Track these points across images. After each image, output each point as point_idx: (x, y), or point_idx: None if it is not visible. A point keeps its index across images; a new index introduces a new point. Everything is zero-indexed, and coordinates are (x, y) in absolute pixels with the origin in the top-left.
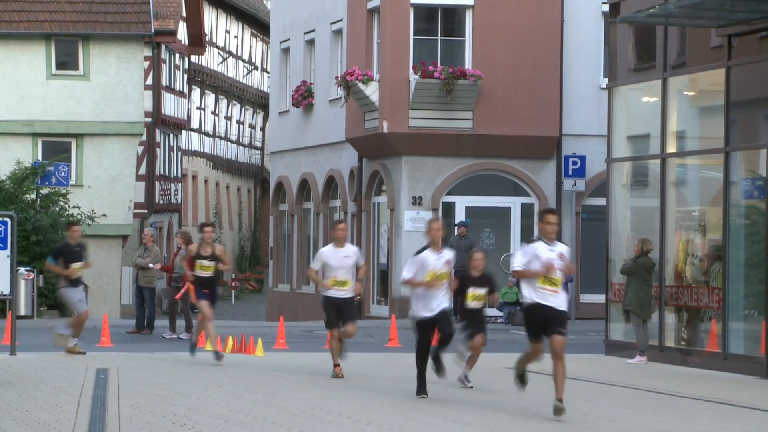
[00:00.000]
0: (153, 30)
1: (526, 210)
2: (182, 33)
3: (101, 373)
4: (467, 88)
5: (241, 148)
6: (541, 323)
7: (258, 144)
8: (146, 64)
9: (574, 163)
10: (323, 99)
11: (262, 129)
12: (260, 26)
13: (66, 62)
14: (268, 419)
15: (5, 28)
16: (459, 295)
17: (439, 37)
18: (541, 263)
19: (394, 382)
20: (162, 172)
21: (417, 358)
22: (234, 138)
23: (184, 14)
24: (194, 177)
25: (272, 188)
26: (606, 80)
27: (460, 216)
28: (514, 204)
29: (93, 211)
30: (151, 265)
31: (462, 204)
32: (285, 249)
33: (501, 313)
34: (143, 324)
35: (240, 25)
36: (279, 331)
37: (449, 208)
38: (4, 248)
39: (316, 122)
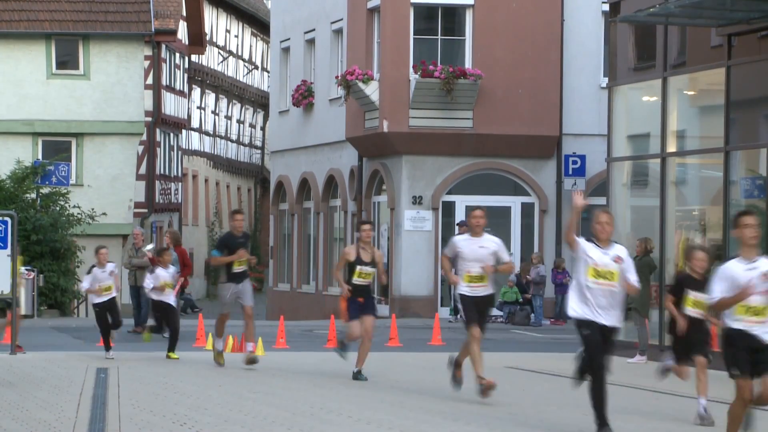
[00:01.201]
0: (153, 29)
1: (527, 209)
2: (182, 32)
3: (101, 372)
4: (467, 88)
5: (242, 147)
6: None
7: (258, 143)
8: (146, 63)
9: (575, 162)
10: (323, 98)
11: (263, 128)
12: (260, 25)
13: (66, 62)
14: (269, 418)
15: (5, 27)
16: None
17: (439, 37)
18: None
19: (395, 381)
20: (162, 172)
21: (594, 388)
22: (234, 137)
23: (184, 13)
24: (194, 176)
25: (272, 187)
26: (606, 79)
27: (460, 215)
28: (514, 203)
29: (93, 210)
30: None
31: (462, 203)
32: (285, 248)
33: (501, 313)
34: (140, 322)
35: (240, 24)
36: (279, 330)
37: (449, 208)
38: (5, 247)
39: (317, 121)
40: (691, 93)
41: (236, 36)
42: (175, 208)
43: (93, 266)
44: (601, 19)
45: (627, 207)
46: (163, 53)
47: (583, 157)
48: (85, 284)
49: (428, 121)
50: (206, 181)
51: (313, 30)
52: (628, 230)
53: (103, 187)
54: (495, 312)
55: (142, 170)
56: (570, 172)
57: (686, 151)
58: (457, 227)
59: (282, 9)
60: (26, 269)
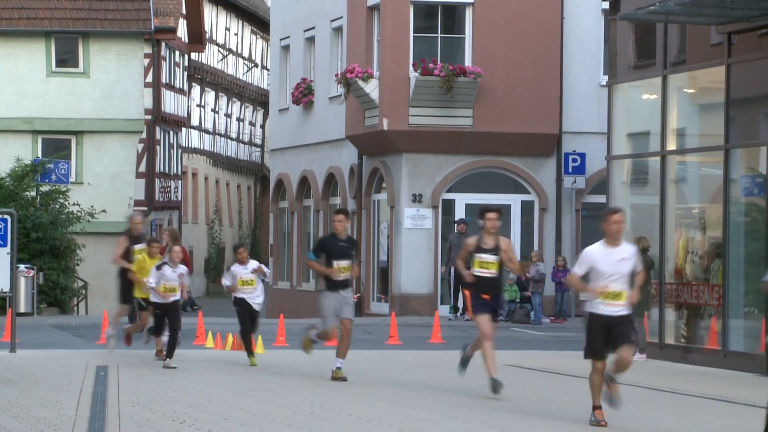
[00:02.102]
0: (153, 27)
1: (526, 207)
2: (182, 30)
3: (101, 370)
4: (467, 86)
5: (241, 145)
6: None
7: (258, 141)
8: (146, 61)
9: (574, 160)
10: (323, 96)
11: (262, 126)
12: (260, 23)
13: (66, 59)
14: (268, 416)
15: (5, 25)
16: None
17: (439, 35)
18: None
19: (394, 379)
20: (162, 170)
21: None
22: (234, 135)
23: (184, 11)
24: (194, 174)
25: (272, 185)
26: (606, 77)
27: (459, 213)
28: (514, 201)
29: (92, 207)
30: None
31: (462, 201)
32: (285, 246)
33: (501, 311)
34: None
35: (240, 22)
36: (279, 328)
37: (449, 206)
38: (5, 245)
39: (316, 119)
40: (691, 91)
41: (236, 34)
42: (174, 206)
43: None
44: (601, 17)
45: (627, 205)
46: (163, 51)
47: (582, 155)
48: (152, 280)
49: (428, 119)
50: (206, 179)
51: (313, 28)
52: (628, 228)
53: (103, 185)
54: None
55: (142, 168)
56: (570, 170)
57: (686, 149)
58: (455, 225)
59: (282, 7)
60: (26, 267)
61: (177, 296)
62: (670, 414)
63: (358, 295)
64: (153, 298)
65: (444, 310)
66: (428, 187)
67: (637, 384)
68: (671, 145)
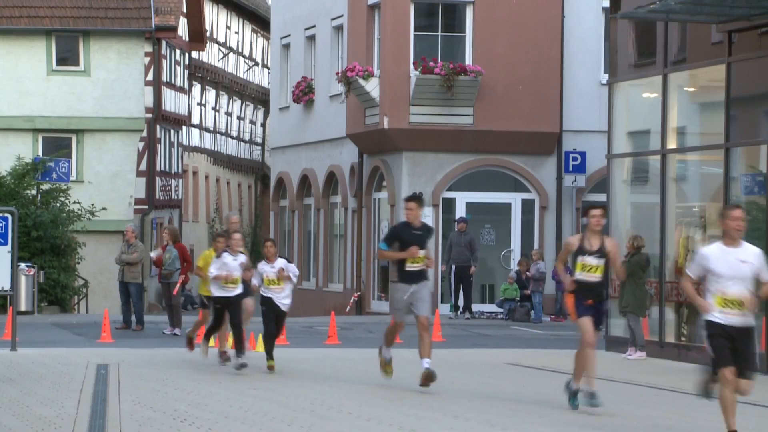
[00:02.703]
0: (153, 26)
1: (527, 206)
2: (183, 29)
3: (102, 368)
4: (468, 84)
5: (242, 143)
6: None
7: (258, 140)
8: (147, 59)
9: (575, 159)
10: (324, 95)
11: (263, 125)
12: (261, 22)
13: (66, 58)
14: (269, 415)
15: (6, 23)
16: None
17: (439, 33)
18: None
19: (395, 377)
20: (162, 168)
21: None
22: (234, 134)
23: (184, 10)
24: (195, 173)
25: (273, 184)
26: (606, 76)
27: (460, 212)
28: (514, 200)
29: (93, 206)
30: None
31: (462, 200)
32: (286, 245)
33: (501, 309)
34: (130, 320)
35: (240, 20)
36: None
37: (450, 204)
38: (5, 244)
39: (317, 118)
40: (692, 89)
41: (237, 32)
42: (175, 204)
43: (224, 250)
44: (602, 15)
45: (627, 204)
46: (164, 50)
47: (583, 154)
48: (212, 269)
49: (428, 117)
50: (206, 177)
51: (314, 26)
52: (629, 227)
53: (104, 183)
54: (495, 309)
55: (143, 167)
56: (570, 169)
57: (686, 147)
58: (456, 224)
59: (282, 5)
60: (26, 265)
61: (239, 289)
62: (671, 412)
63: (359, 293)
64: (215, 292)
65: (444, 309)
66: (429, 186)
67: (638, 383)
68: (671, 144)
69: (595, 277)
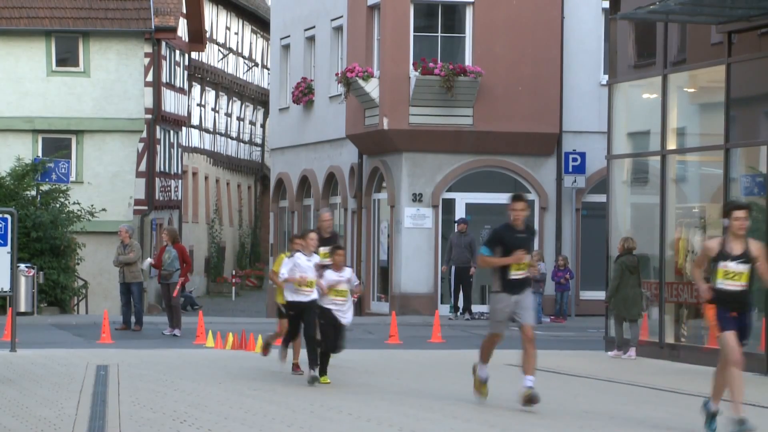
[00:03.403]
0: (153, 26)
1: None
2: (182, 29)
3: (101, 369)
4: (467, 85)
5: (242, 144)
6: None
7: (258, 141)
8: (146, 60)
9: (575, 159)
10: (323, 96)
11: (263, 126)
12: (260, 23)
13: (66, 59)
14: (269, 416)
15: (5, 24)
16: None
17: (439, 34)
18: None
19: (395, 378)
20: (162, 169)
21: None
22: (234, 135)
23: (184, 11)
24: (194, 174)
25: (272, 185)
26: (606, 77)
27: (460, 213)
28: None
29: (93, 207)
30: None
31: (462, 201)
32: (285, 246)
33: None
34: (130, 320)
35: (240, 21)
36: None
37: (449, 205)
38: (5, 245)
39: (317, 119)
40: (692, 90)
41: (236, 33)
42: (175, 205)
43: (297, 250)
44: (601, 16)
45: (627, 204)
46: (163, 50)
47: (583, 155)
48: (284, 271)
49: (428, 118)
50: (206, 178)
51: (314, 27)
52: (629, 227)
53: (103, 184)
54: None
55: (142, 167)
56: (570, 170)
57: (686, 148)
58: (456, 224)
59: (282, 6)
60: (26, 266)
61: (314, 294)
62: (670, 413)
63: (358, 294)
64: (288, 296)
65: (444, 310)
66: (428, 187)
67: (637, 383)
68: (671, 145)
69: (740, 285)
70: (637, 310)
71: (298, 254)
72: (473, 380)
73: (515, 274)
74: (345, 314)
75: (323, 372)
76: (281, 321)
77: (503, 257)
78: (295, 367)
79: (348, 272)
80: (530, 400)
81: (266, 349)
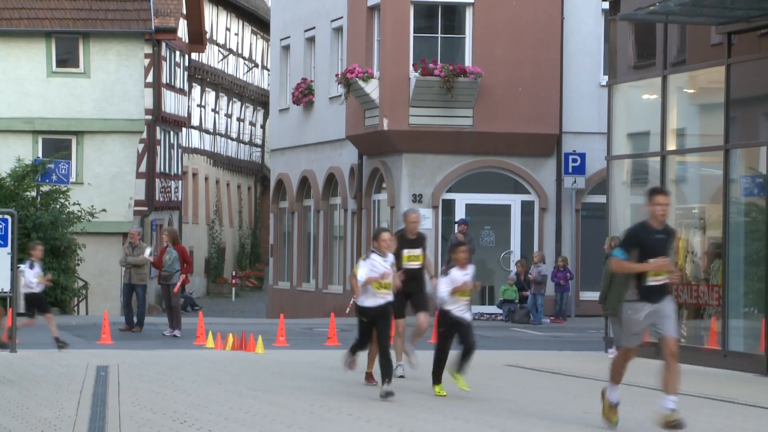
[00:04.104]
0: (153, 27)
1: (526, 207)
2: (183, 30)
3: (101, 370)
4: (467, 86)
5: (242, 145)
6: None
7: (258, 141)
8: (146, 61)
9: (574, 160)
10: (323, 96)
11: (263, 126)
12: (260, 24)
13: (66, 60)
14: (269, 416)
15: (6, 25)
16: None
17: (439, 35)
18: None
19: (394, 379)
20: (162, 170)
21: None
22: (234, 135)
23: (184, 12)
24: (194, 174)
25: (272, 185)
26: (606, 77)
27: (460, 213)
28: (514, 201)
29: (93, 207)
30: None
31: (462, 201)
32: (285, 246)
33: (501, 311)
34: (133, 321)
35: (240, 22)
36: (279, 328)
37: (449, 206)
38: (5, 245)
39: (317, 120)
40: (691, 91)
41: (236, 34)
42: (175, 206)
43: (372, 251)
44: (601, 17)
45: (627, 205)
46: (163, 51)
47: (582, 155)
48: (360, 274)
49: (428, 119)
50: (206, 179)
51: (314, 28)
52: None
53: (103, 185)
54: (495, 310)
55: (142, 168)
56: (570, 170)
57: (686, 149)
58: (456, 225)
59: (282, 7)
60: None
61: (390, 297)
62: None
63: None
64: (362, 301)
65: None
66: (428, 187)
67: (637, 384)
68: (671, 146)
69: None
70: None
71: (373, 255)
72: (602, 405)
73: (654, 280)
74: (465, 314)
75: (439, 379)
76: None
77: (640, 261)
78: (368, 377)
79: (472, 270)
80: (675, 425)
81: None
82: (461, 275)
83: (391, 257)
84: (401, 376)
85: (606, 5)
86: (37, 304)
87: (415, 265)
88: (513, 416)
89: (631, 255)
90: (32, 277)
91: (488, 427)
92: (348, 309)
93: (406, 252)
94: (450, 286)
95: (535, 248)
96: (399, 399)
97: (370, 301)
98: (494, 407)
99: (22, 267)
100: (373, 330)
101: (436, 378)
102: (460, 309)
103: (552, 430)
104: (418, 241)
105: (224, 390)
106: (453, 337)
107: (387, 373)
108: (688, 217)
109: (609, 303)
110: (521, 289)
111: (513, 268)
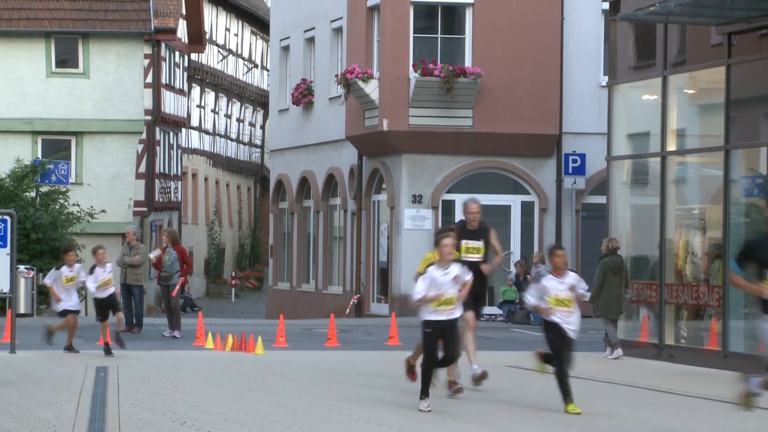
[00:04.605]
0: (153, 28)
1: (526, 208)
2: (182, 31)
3: (101, 371)
4: (467, 86)
5: (241, 146)
6: None
7: (258, 142)
8: (146, 62)
9: (574, 161)
10: (323, 97)
11: (262, 127)
12: (260, 24)
13: (66, 60)
14: (268, 417)
15: (5, 26)
16: None
17: (439, 35)
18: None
19: (394, 380)
20: (162, 170)
21: None
22: (234, 136)
23: (184, 12)
24: (194, 175)
25: (272, 186)
26: (606, 78)
27: (460, 214)
28: (514, 202)
29: (92, 208)
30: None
31: (462, 202)
32: (285, 247)
33: (501, 311)
34: (132, 322)
35: (240, 22)
36: (279, 329)
37: (449, 206)
38: (4, 246)
39: (316, 120)
40: (691, 91)
41: (236, 34)
42: (174, 206)
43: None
44: (601, 17)
45: (627, 206)
46: (163, 52)
47: (583, 156)
48: (420, 287)
49: (428, 119)
50: (206, 179)
51: (313, 28)
52: (628, 228)
53: (103, 185)
54: (495, 311)
55: (142, 169)
56: (570, 171)
57: (686, 149)
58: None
59: (282, 7)
60: (26, 268)
61: (457, 312)
62: (670, 415)
63: (358, 296)
64: (426, 315)
65: None
66: (428, 188)
67: (637, 385)
68: (671, 146)
69: None
70: (617, 310)
71: (431, 268)
72: (740, 392)
73: None
74: (571, 326)
75: (569, 398)
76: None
77: (761, 273)
78: (451, 384)
79: (572, 277)
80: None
81: (412, 373)
82: (557, 284)
83: (454, 267)
84: (481, 376)
85: (606, 6)
86: (110, 306)
87: (474, 257)
88: (512, 417)
89: (747, 268)
90: (92, 283)
91: (488, 427)
92: (348, 310)
93: (464, 243)
94: (540, 295)
95: (535, 249)
96: (399, 400)
97: (433, 315)
98: (494, 408)
99: (22, 268)
100: (438, 343)
101: (566, 395)
102: (567, 321)
103: (552, 431)
104: (480, 233)
105: (224, 391)
106: (564, 347)
107: (426, 388)
108: (689, 217)
109: (599, 304)
110: (521, 289)
111: (512, 269)
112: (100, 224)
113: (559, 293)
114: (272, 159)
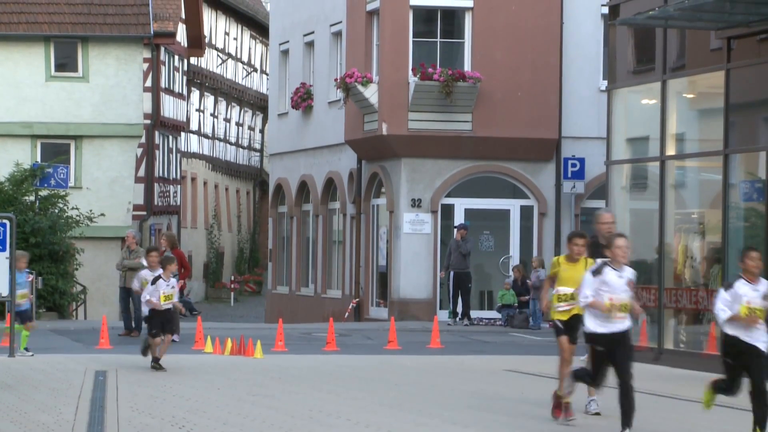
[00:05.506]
0: (152, 32)
1: (526, 212)
2: (181, 35)
3: (100, 375)
4: (466, 90)
5: (240, 150)
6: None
7: (257, 146)
8: (145, 65)
9: (574, 165)
10: (322, 101)
11: (261, 131)
12: (259, 28)
13: (65, 64)
14: (267, 421)
15: (4, 29)
16: None
17: (438, 39)
18: None
19: (393, 384)
20: (161, 174)
21: None
22: (233, 140)
23: (183, 16)
24: (193, 179)
25: (271, 190)
26: (605, 82)
27: (459, 218)
28: (513, 206)
29: (91, 212)
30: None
31: (461, 206)
32: (284, 251)
33: (500, 316)
34: (131, 326)
35: (239, 26)
36: (278, 333)
37: (448, 211)
38: (3, 250)
39: (316, 124)
40: (691, 96)
41: (235, 38)
42: (173, 210)
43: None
44: (601, 21)
45: (626, 210)
46: (162, 56)
47: (582, 160)
48: (586, 292)
49: (427, 123)
50: (205, 183)
51: (312, 32)
52: (627, 233)
53: (102, 189)
54: (493, 315)
55: (141, 173)
56: (569, 175)
57: (685, 154)
58: (455, 230)
59: (281, 11)
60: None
61: (628, 321)
62: (670, 419)
63: (357, 300)
64: (592, 327)
65: (443, 315)
66: (427, 192)
67: (637, 389)
68: (670, 150)
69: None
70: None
71: (607, 269)
72: None
73: None
74: (760, 338)
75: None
76: (560, 340)
77: None
78: (559, 405)
79: (628, 272)
80: None
81: (558, 409)
82: (750, 290)
83: (629, 271)
84: (596, 413)
85: (605, 10)
86: (163, 321)
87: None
88: (512, 421)
89: None
90: (153, 292)
91: None
92: (347, 314)
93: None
94: (731, 304)
95: (535, 253)
96: (398, 404)
97: (603, 328)
98: (493, 412)
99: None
100: (607, 361)
101: (761, 423)
102: (750, 334)
103: None
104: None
105: (223, 395)
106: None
107: (627, 418)
108: (688, 222)
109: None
110: (519, 294)
111: (511, 273)
112: (100, 228)
113: (753, 300)
114: (271, 163)
